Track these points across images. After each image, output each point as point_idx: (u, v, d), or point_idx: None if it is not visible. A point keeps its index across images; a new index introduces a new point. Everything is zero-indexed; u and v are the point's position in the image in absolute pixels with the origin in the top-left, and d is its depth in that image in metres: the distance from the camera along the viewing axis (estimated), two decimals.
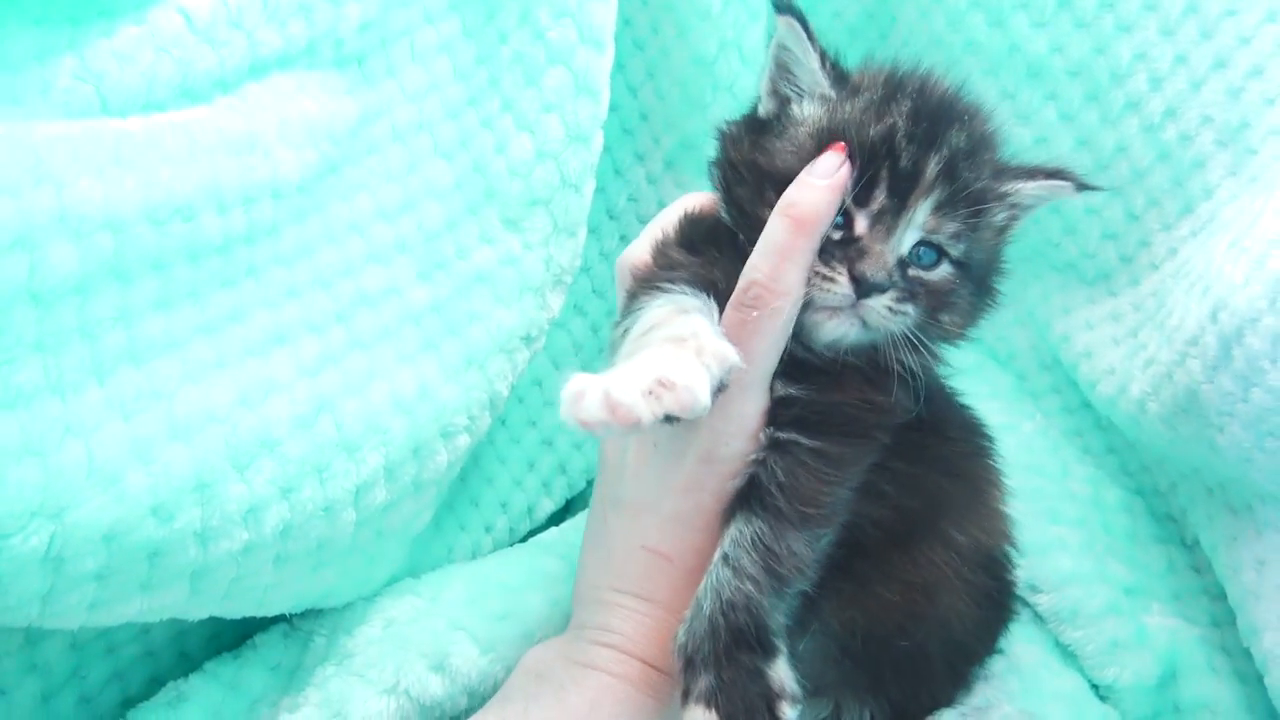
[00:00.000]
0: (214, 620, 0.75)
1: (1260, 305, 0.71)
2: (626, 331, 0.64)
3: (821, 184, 0.63)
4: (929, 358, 0.65)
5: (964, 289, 0.67)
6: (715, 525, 0.64)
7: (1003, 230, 0.70)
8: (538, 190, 0.86)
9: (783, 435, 0.64)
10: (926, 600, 0.71)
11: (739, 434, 0.64)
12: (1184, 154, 0.89)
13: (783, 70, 0.69)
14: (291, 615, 0.80)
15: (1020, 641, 0.85)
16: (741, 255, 0.65)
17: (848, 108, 0.66)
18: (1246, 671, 0.81)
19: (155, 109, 0.67)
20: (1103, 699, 0.84)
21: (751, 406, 0.64)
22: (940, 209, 0.64)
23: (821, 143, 0.65)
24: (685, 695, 0.59)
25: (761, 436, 0.64)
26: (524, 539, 0.95)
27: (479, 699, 0.71)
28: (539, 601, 0.79)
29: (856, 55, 1.08)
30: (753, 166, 0.67)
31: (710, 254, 0.68)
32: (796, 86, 0.69)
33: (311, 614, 0.80)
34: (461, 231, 0.85)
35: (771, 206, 0.64)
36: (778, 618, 0.61)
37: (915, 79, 0.68)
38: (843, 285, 0.62)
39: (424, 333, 0.79)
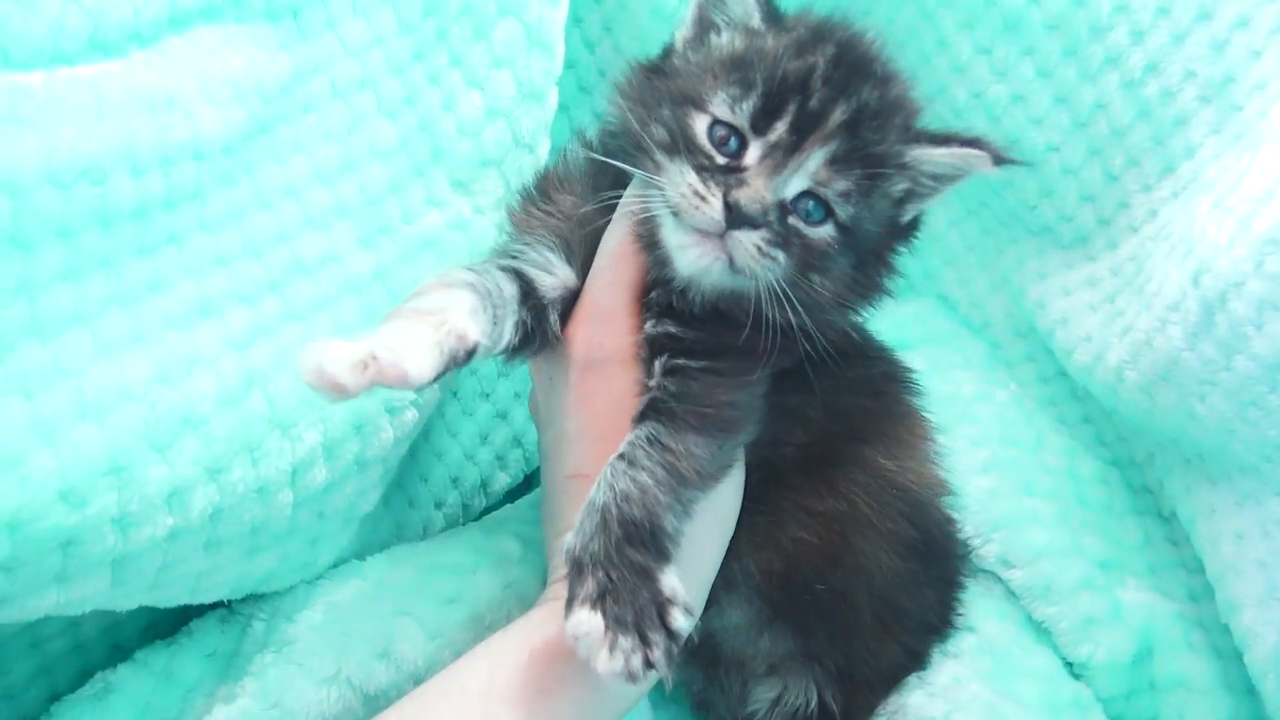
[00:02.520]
0: (148, 610, 0.72)
1: (1245, 268, 0.68)
2: None
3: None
4: (803, 319, 0.62)
5: (843, 256, 0.65)
6: (620, 437, 0.63)
7: (901, 202, 0.68)
8: (489, 150, 0.82)
9: (675, 361, 0.65)
10: (841, 540, 0.71)
11: (608, 331, 0.68)
12: (1166, 111, 0.86)
13: None
14: (229, 599, 0.76)
15: (992, 618, 0.82)
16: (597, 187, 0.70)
17: (770, 40, 0.66)
18: (1224, 647, 0.79)
19: (62, 62, 0.61)
20: (1076, 677, 0.82)
21: (610, 303, 0.68)
22: (835, 162, 0.62)
23: (732, 69, 0.65)
24: (569, 602, 0.55)
25: (657, 365, 0.65)
26: (479, 516, 0.92)
27: None
28: (490, 584, 0.76)
29: (825, 3, 1.05)
30: (656, 90, 0.67)
31: (559, 201, 0.72)
32: (726, 15, 0.69)
33: (251, 598, 0.76)
34: (407, 194, 0.81)
35: (662, 122, 0.65)
36: (674, 521, 0.59)
37: (846, 30, 0.68)
38: (715, 208, 0.60)
39: (366, 302, 0.74)
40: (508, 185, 0.82)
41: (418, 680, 0.67)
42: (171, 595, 0.66)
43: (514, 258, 0.70)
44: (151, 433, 0.58)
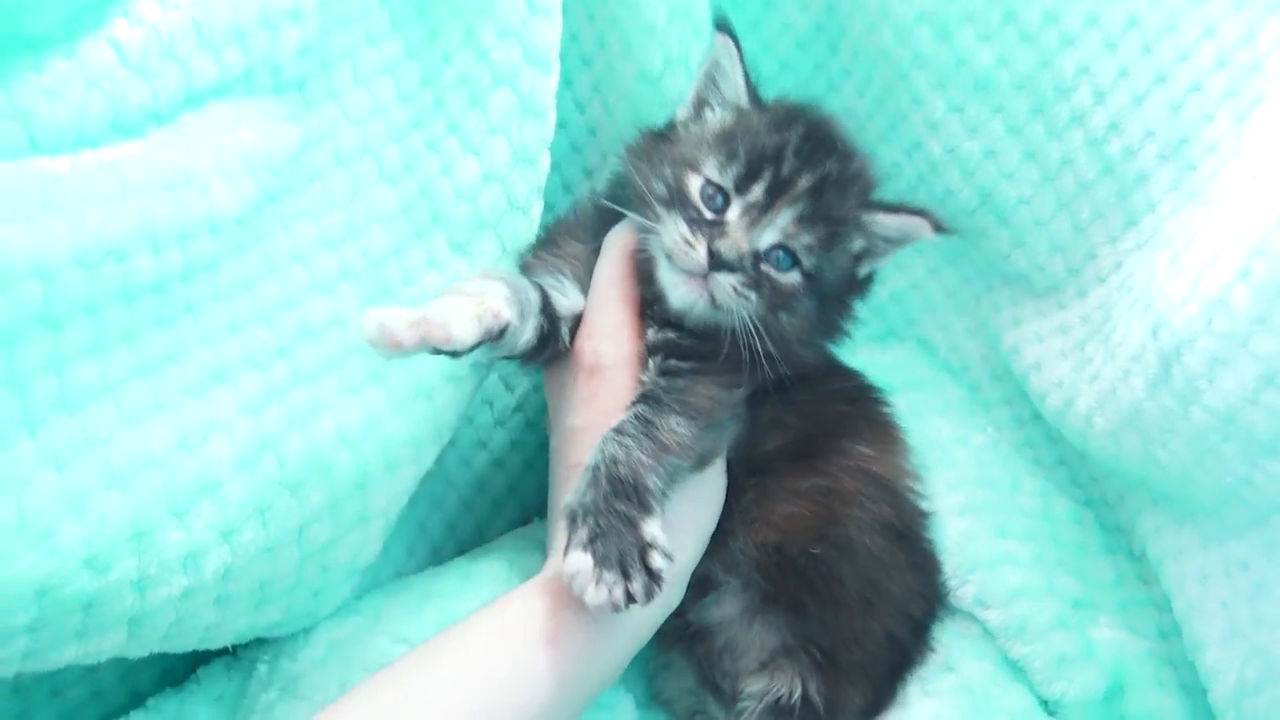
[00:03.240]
0: (162, 657, 0.75)
1: (1197, 326, 0.71)
2: None
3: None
4: (771, 349, 0.74)
5: (808, 299, 0.78)
6: None
7: (859, 258, 0.82)
8: (485, 213, 0.86)
9: (669, 363, 0.77)
10: (828, 511, 0.80)
11: (611, 342, 0.78)
12: (1128, 167, 0.90)
13: (711, 81, 0.84)
14: (234, 645, 0.79)
15: (970, 658, 0.86)
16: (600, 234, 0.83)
17: (754, 119, 0.81)
18: (1192, 684, 0.82)
19: (86, 145, 0.65)
20: (1051, 714, 0.85)
21: (610, 319, 0.79)
22: (801, 220, 0.76)
23: (722, 140, 0.79)
24: (566, 548, 0.65)
25: (652, 364, 0.77)
26: None
27: None
28: (478, 606, 0.79)
29: (807, 66, 1.10)
30: (660, 153, 0.81)
31: (568, 247, 0.85)
32: (721, 97, 0.84)
33: (255, 642, 0.79)
34: (408, 257, 0.84)
35: (663, 180, 0.78)
36: (657, 482, 0.68)
37: (815, 113, 0.84)
38: (700, 254, 0.74)
39: (370, 364, 0.78)
40: (503, 246, 0.86)
41: None
42: (182, 644, 0.70)
43: (534, 276, 0.82)
44: (171, 499, 0.62)
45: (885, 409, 0.90)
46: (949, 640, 0.87)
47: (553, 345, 0.80)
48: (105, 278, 0.62)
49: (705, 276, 0.74)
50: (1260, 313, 0.66)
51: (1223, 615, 0.76)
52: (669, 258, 0.76)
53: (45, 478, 0.56)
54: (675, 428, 0.71)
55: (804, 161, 0.77)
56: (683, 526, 0.73)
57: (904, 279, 1.15)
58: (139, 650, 0.65)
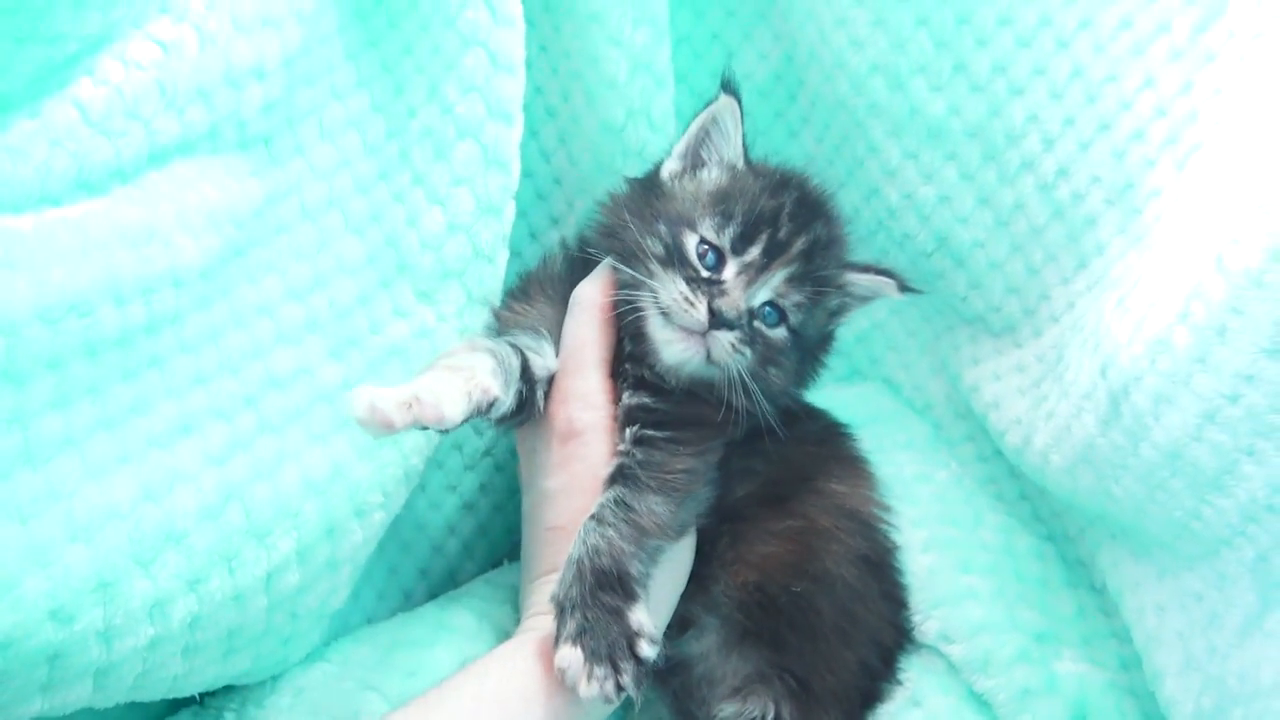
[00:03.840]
0: (131, 704, 0.75)
1: (1142, 365, 0.74)
2: None
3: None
4: (759, 403, 0.77)
5: (793, 353, 0.82)
6: (593, 494, 0.75)
7: (834, 314, 0.87)
8: (450, 263, 0.88)
9: (644, 432, 0.77)
10: (805, 549, 0.82)
11: (585, 407, 0.79)
12: (1077, 212, 0.93)
13: (705, 138, 0.86)
14: (201, 694, 0.79)
15: (936, 692, 0.87)
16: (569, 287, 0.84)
17: (749, 181, 0.83)
18: (1154, 714, 0.83)
19: (50, 203, 0.66)
20: None
21: (585, 385, 0.80)
22: (793, 280, 0.80)
23: (718, 200, 0.81)
24: (556, 640, 0.66)
25: (628, 434, 0.77)
26: None
27: None
28: (448, 657, 0.80)
29: (768, 114, 1.13)
30: (652, 208, 0.82)
31: (541, 300, 0.86)
32: (715, 154, 0.86)
33: (222, 690, 0.79)
34: (374, 306, 0.86)
35: (658, 238, 0.79)
36: (640, 567, 0.70)
37: (805, 178, 0.87)
38: (700, 312, 0.75)
39: (337, 411, 0.79)
40: (469, 295, 0.88)
41: None
42: (150, 694, 0.69)
43: (513, 339, 0.82)
44: (136, 549, 0.62)
45: (852, 444, 0.93)
46: (915, 675, 0.87)
47: (529, 409, 0.81)
48: (68, 332, 0.62)
49: (704, 334, 0.76)
50: (1199, 353, 0.68)
51: (1179, 646, 0.78)
52: (664, 314, 0.77)
53: (8, 531, 0.57)
54: (654, 508, 0.73)
55: (799, 226, 0.80)
56: (659, 589, 0.74)
57: (868, 320, 1.17)
58: (106, 701, 0.65)
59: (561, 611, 0.68)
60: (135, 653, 0.63)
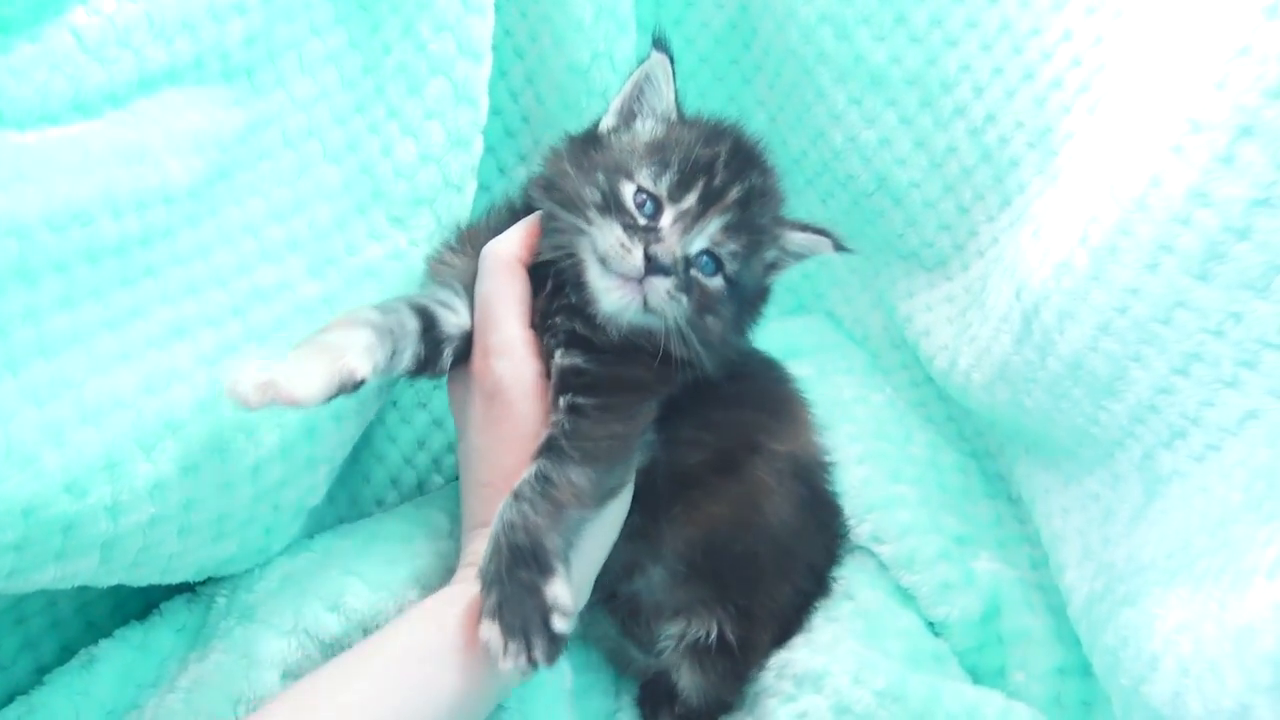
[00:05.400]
0: (117, 591, 0.81)
1: (1049, 285, 0.82)
2: None
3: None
4: (697, 353, 0.78)
5: (729, 303, 0.81)
6: (526, 455, 0.75)
7: (771, 267, 0.87)
8: (422, 191, 0.93)
9: (575, 400, 0.77)
10: (753, 509, 0.85)
11: (503, 356, 0.78)
12: (1002, 154, 1.01)
13: (640, 93, 0.86)
14: (194, 583, 0.86)
15: (866, 587, 0.95)
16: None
17: (684, 132, 0.83)
18: (1057, 606, 0.93)
19: (49, 122, 0.71)
20: (936, 634, 0.95)
21: (500, 336, 0.79)
22: (728, 229, 0.79)
23: (654, 150, 0.81)
24: (481, 614, 0.67)
25: (561, 402, 0.77)
26: None
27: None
28: (426, 550, 0.85)
29: (724, 60, 1.19)
30: (590, 159, 0.82)
31: (468, 253, 0.86)
32: (649, 109, 0.86)
33: (212, 580, 0.86)
34: (350, 229, 0.91)
35: (596, 186, 0.79)
36: (557, 540, 0.70)
37: (739, 129, 0.87)
38: (636, 258, 0.75)
39: (315, 323, 0.84)
40: (439, 221, 0.94)
41: (366, 629, 0.78)
42: (146, 575, 0.75)
43: (423, 296, 0.82)
44: (139, 435, 0.68)
45: (792, 395, 0.94)
46: (848, 573, 0.96)
47: (432, 367, 0.81)
48: (73, 239, 0.68)
49: (640, 280, 0.75)
50: (1095, 271, 0.77)
51: (1079, 540, 0.87)
52: (603, 262, 0.76)
53: (27, 412, 0.62)
54: (574, 479, 0.72)
55: (733, 174, 0.80)
56: (585, 547, 0.75)
57: (814, 259, 1.25)
58: (108, 577, 0.71)
59: (485, 585, 0.68)
60: (138, 528, 0.69)
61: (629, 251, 0.75)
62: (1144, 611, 0.70)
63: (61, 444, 0.63)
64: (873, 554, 0.99)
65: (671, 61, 0.84)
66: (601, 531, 0.78)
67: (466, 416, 0.82)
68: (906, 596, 0.96)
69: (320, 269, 0.88)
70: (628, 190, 0.79)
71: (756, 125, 1.25)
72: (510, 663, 0.65)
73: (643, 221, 0.78)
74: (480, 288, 0.82)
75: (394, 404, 0.99)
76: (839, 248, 0.87)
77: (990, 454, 1.07)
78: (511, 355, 0.79)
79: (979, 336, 0.95)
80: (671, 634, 0.88)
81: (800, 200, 1.22)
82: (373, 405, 0.88)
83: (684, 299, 0.76)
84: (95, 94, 0.75)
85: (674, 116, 0.85)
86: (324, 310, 0.86)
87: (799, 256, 0.88)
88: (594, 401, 0.76)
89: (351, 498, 0.98)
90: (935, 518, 0.99)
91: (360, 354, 0.72)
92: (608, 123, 0.87)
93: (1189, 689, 0.62)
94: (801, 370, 1.11)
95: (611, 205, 0.78)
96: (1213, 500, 0.69)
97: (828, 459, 0.96)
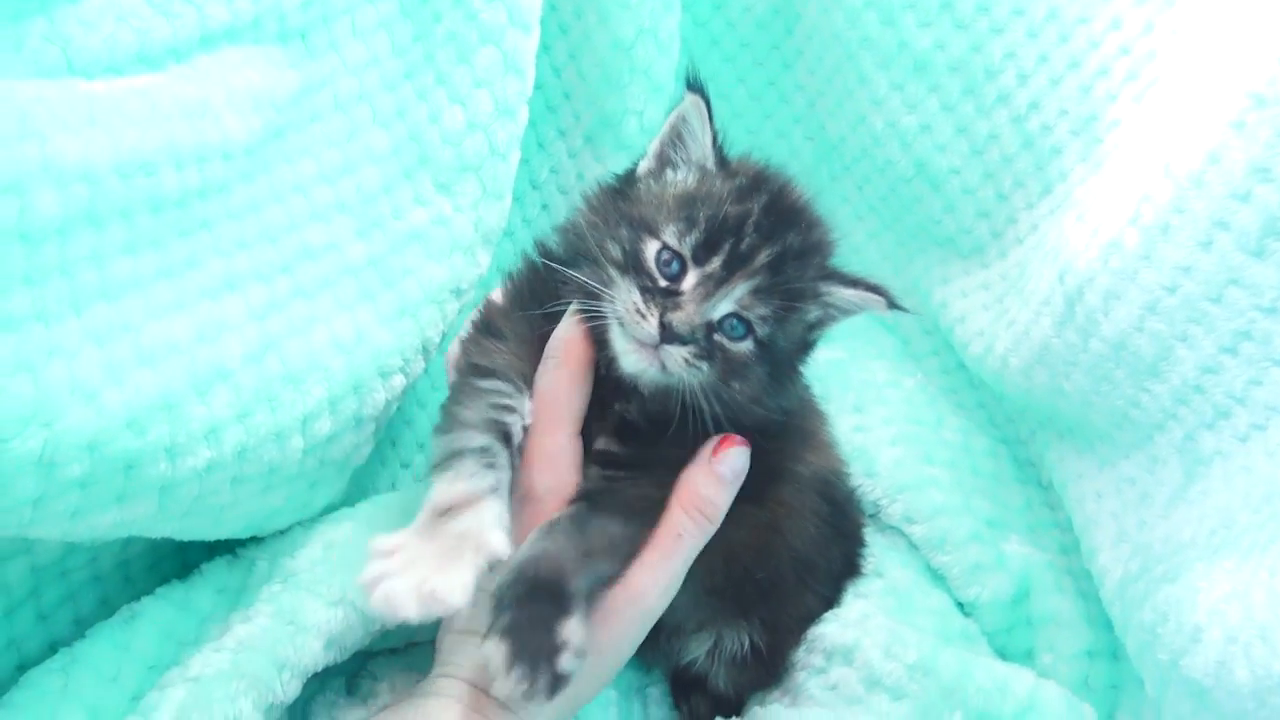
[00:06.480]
0: (156, 549, 0.84)
1: (1095, 266, 0.82)
2: (435, 468, 0.73)
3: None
4: (721, 414, 0.74)
5: (760, 367, 0.76)
6: None
7: (814, 326, 0.80)
8: (468, 158, 0.94)
9: (606, 473, 0.77)
10: (776, 534, 0.83)
11: (549, 472, 0.76)
12: (1045, 142, 1.01)
13: (677, 138, 0.81)
14: (234, 545, 0.87)
15: (897, 566, 0.96)
16: (539, 329, 0.79)
17: (718, 184, 0.78)
18: (1087, 590, 0.93)
19: (115, 73, 0.73)
20: (966, 614, 0.96)
21: (554, 444, 0.76)
22: (758, 292, 0.74)
23: (683, 204, 0.76)
24: (487, 629, 0.65)
25: (592, 473, 0.76)
26: None
27: None
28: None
29: (765, 45, 1.19)
30: (618, 211, 0.78)
31: (512, 336, 0.81)
32: (685, 155, 0.81)
33: (253, 543, 0.87)
34: (397, 194, 0.92)
35: (619, 242, 0.75)
36: (580, 583, 0.68)
37: (780, 179, 0.80)
38: (651, 326, 0.71)
39: (361, 284, 0.86)
40: (484, 188, 0.95)
41: None
42: (196, 527, 0.77)
43: (495, 408, 0.76)
44: (194, 379, 0.69)
45: (805, 404, 0.90)
46: (879, 552, 0.97)
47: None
48: (138, 187, 0.69)
49: (656, 347, 0.72)
50: (1146, 250, 0.77)
51: (1113, 524, 0.87)
52: (621, 324, 0.74)
53: (90, 351, 0.63)
54: (607, 529, 0.72)
55: (765, 235, 0.74)
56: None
57: (846, 244, 1.24)
58: (162, 525, 0.72)
59: (498, 605, 0.66)
60: (194, 474, 0.70)
61: (644, 318, 0.72)
62: (1186, 586, 0.70)
63: (122, 383, 0.64)
64: (904, 534, 0.99)
65: (707, 102, 0.78)
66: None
67: None
68: (937, 576, 0.97)
69: (367, 231, 0.89)
70: (650, 249, 0.75)
71: (796, 110, 1.26)
72: (510, 685, 0.63)
73: (663, 283, 0.74)
74: (544, 379, 0.78)
75: (425, 371, 1.00)
76: (893, 306, 0.78)
77: (1021, 440, 1.08)
78: (555, 468, 0.76)
79: (1017, 321, 0.96)
80: (702, 649, 0.89)
81: (837, 186, 1.23)
82: (416, 363, 0.89)
83: (704, 365, 0.72)
84: (159, 48, 0.76)
85: (710, 164, 0.80)
86: (369, 271, 0.87)
87: (847, 312, 0.80)
88: (626, 475, 0.76)
89: (380, 459, 1.01)
90: (967, 500, 1.00)
91: (495, 531, 0.68)
92: (645, 166, 0.82)
93: (1235, 656, 0.62)
94: (833, 354, 1.12)
95: (630, 265, 0.74)
96: (1256, 479, 0.70)
97: (844, 468, 0.95)
